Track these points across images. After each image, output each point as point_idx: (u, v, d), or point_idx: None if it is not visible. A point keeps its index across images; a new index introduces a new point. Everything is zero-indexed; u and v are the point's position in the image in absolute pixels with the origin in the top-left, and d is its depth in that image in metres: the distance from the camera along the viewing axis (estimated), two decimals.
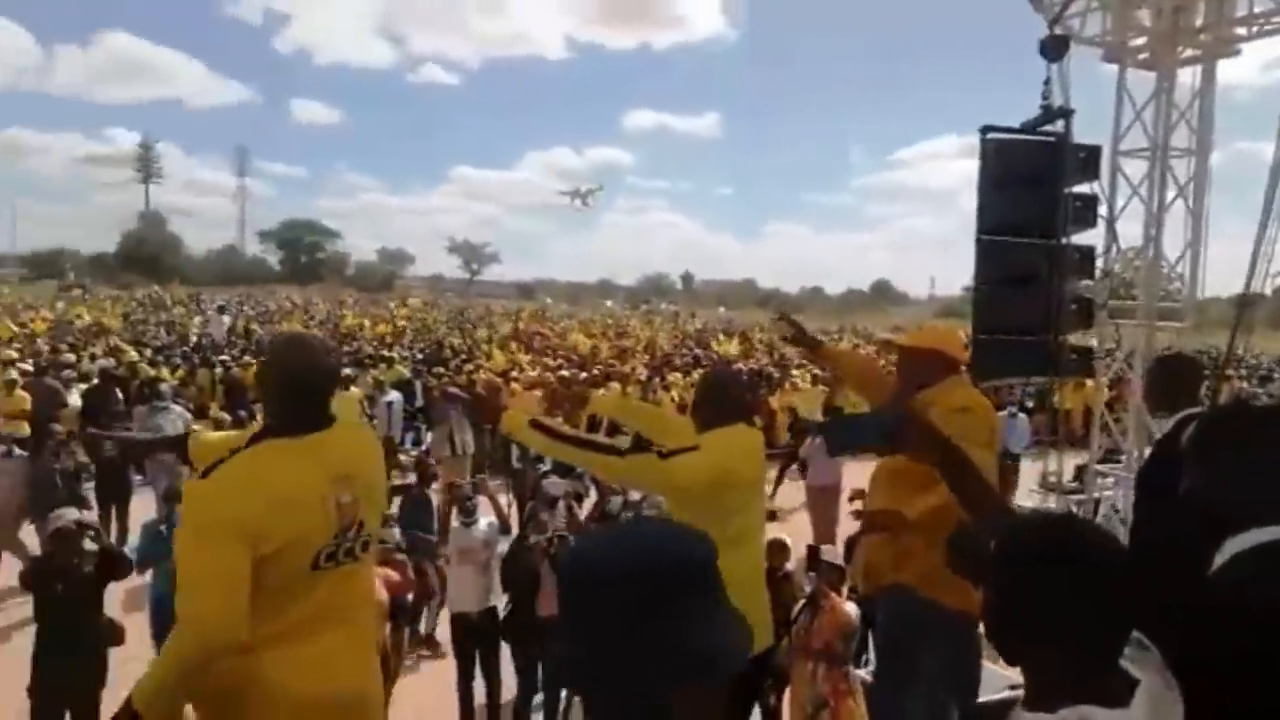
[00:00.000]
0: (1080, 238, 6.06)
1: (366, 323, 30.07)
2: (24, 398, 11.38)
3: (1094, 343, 6.72)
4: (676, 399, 13.82)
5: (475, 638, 5.40)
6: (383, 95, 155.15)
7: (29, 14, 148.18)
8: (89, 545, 4.82)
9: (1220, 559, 1.55)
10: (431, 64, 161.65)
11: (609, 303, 70.27)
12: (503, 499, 6.55)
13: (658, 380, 15.47)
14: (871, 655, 4.77)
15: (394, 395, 13.16)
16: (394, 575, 5.06)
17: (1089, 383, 7.16)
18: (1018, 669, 1.26)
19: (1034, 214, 5.83)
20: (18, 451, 8.46)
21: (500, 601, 5.59)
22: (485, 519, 5.72)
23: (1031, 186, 5.80)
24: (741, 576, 3.23)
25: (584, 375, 14.80)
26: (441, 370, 15.97)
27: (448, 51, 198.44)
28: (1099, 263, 6.29)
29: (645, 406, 5.47)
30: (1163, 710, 1.18)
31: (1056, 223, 5.84)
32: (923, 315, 52.22)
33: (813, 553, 4.99)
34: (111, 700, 4.94)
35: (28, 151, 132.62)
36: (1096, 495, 6.96)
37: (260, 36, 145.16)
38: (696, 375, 16.78)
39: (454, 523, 5.88)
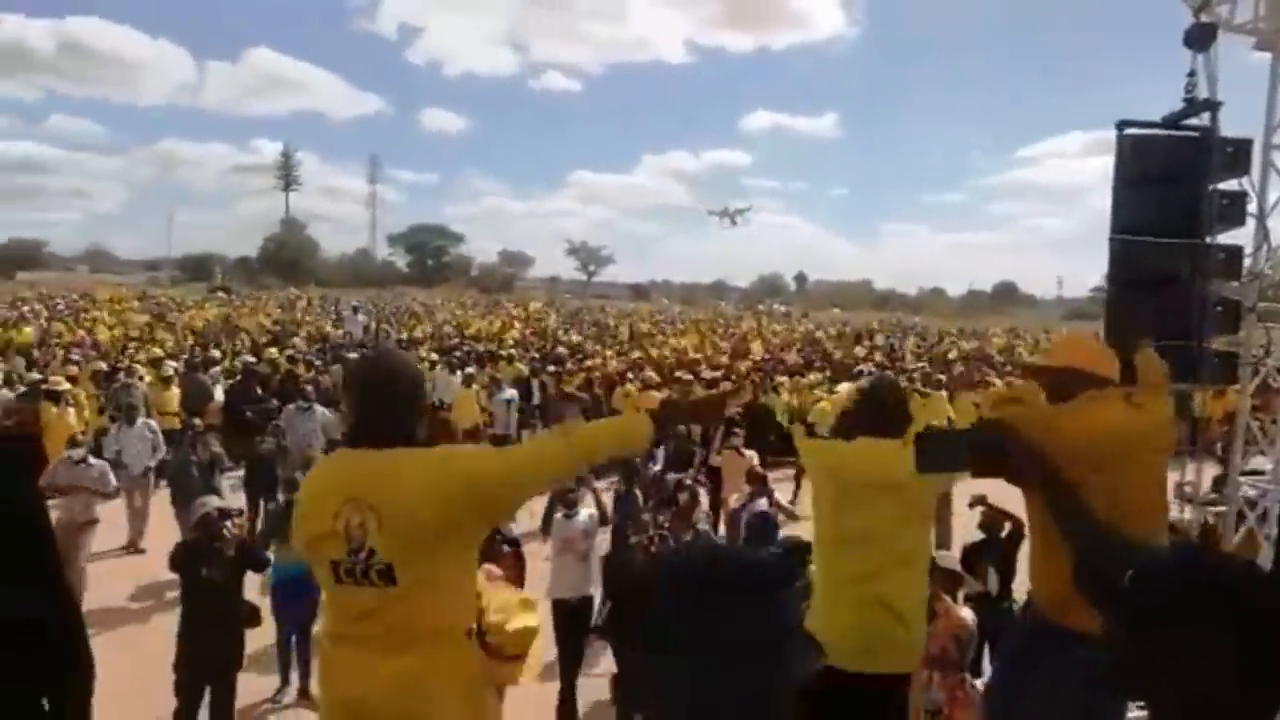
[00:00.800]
0: (1227, 237, 5.68)
1: (484, 323, 30.89)
2: (175, 395, 12.22)
3: (1239, 348, 6.29)
4: (786, 401, 13.69)
5: (573, 623, 5.66)
6: (507, 102, 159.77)
7: (187, 34, 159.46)
8: (229, 532, 5.15)
9: None
10: (553, 71, 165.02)
11: (721, 303, 69.94)
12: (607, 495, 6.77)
13: (768, 382, 15.30)
14: (986, 665, 4.65)
15: (510, 392, 13.52)
16: (495, 570, 5.19)
17: (1230, 389, 6.67)
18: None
19: (1175, 212, 5.49)
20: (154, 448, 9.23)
21: (597, 591, 5.86)
22: (586, 510, 6.01)
23: (1172, 184, 5.46)
24: (841, 575, 3.24)
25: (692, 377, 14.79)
26: (557, 369, 16.29)
27: (569, 58, 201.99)
28: (1247, 263, 5.88)
29: None
30: None
31: (1200, 221, 5.48)
32: (1049, 317, 50.03)
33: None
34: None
35: (183, 162, 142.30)
36: (1237, 507, 6.51)
37: (394, 49, 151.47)
38: (811, 377, 16.57)
39: (556, 514, 6.10)
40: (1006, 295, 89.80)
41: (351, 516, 2.10)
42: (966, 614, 4.26)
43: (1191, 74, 5.63)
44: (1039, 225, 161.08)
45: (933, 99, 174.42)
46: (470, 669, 2.24)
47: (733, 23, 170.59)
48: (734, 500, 8.05)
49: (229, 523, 5.19)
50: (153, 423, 10.11)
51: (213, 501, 5.42)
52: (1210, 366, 5.65)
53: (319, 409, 10.34)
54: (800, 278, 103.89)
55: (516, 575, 5.52)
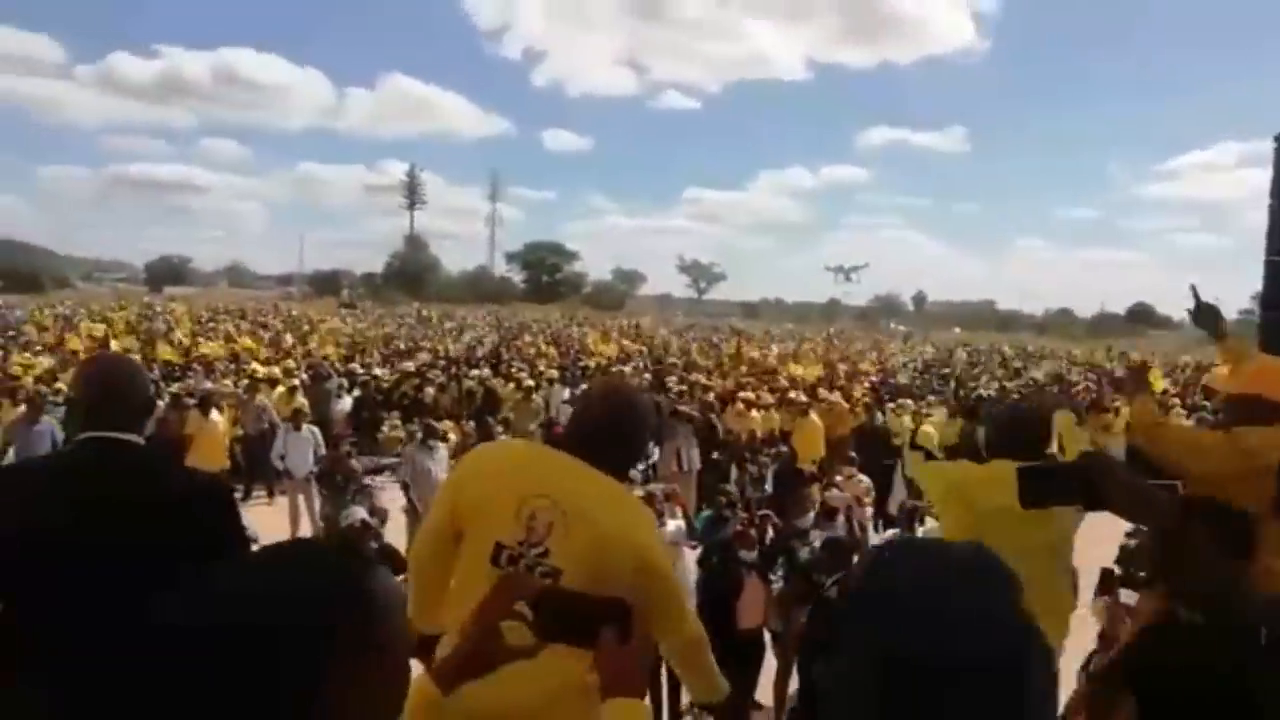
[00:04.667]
0: None
1: (593, 340, 31.12)
2: (304, 403, 12.82)
3: None
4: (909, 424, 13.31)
5: None
6: (626, 121, 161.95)
7: (329, 61, 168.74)
8: (372, 544, 5.37)
9: None
10: (672, 90, 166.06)
11: (832, 328, 68.84)
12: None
13: (884, 405, 14.92)
14: None
15: None
16: None
17: None
18: None
19: None
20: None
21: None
22: (674, 522, 6.00)
23: None
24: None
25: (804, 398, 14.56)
26: (671, 385, 16.34)
27: (688, 77, 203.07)
28: None
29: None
30: None
31: None
32: (1187, 342, 46.99)
33: (1106, 577, 4.67)
34: None
35: (318, 183, 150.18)
36: None
37: (519, 71, 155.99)
38: (928, 401, 16.07)
39: None
40: (1142, 317, 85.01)
41: (540, 511, 2.09)
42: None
43: None
44: (1182, 243, 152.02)
45: (1066, 111, 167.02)
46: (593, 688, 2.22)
47: (853, 38, 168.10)
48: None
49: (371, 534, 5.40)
50: (315, 429, 10.53)
51: (358, 513, 5.65)
52: None
53: (441, 449, 9.19)
54: (919, 297, 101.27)
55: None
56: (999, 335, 63.97)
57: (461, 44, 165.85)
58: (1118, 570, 4.92)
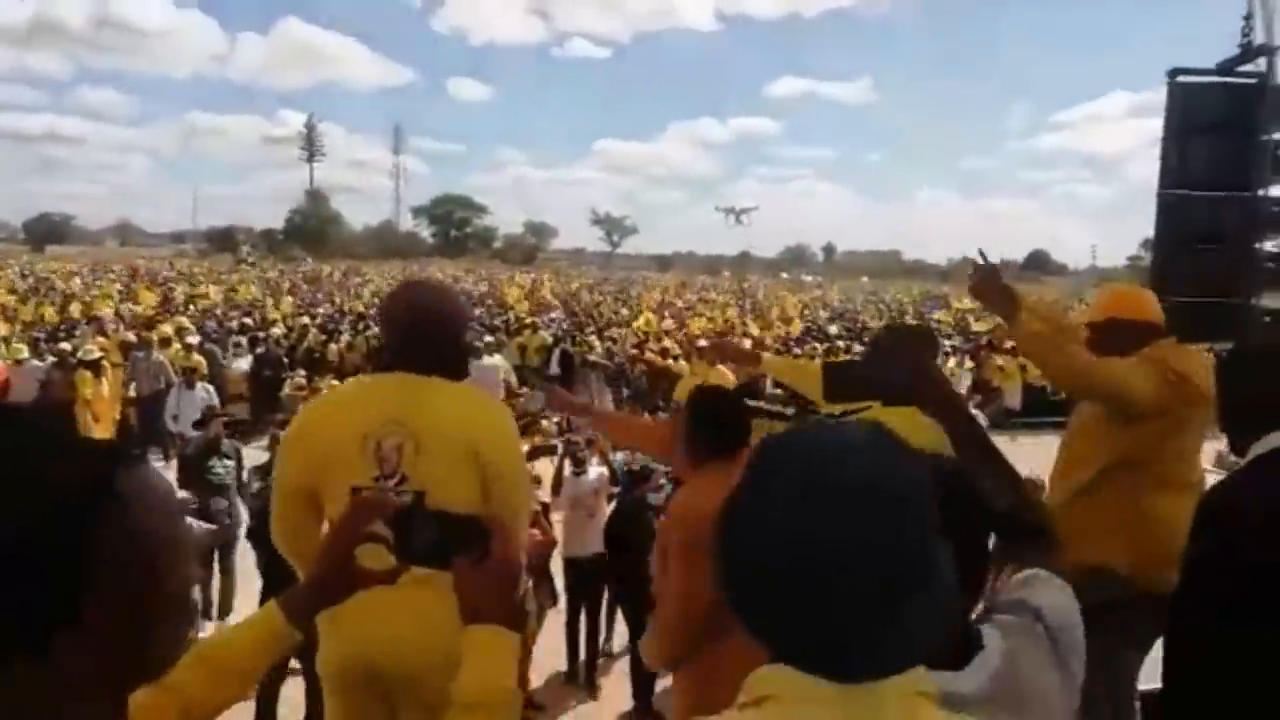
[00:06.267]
0: None
1: (514, 292, 30.71)
2: (201, 361, 12.22)
3: None
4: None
5: (585, 580, 5.68)
6: (533, 71, 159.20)
7: (216, 5, 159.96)
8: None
9: None
10: (580, 39, 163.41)
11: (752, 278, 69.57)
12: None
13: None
14: None
15: (495, 359, 13.16)
16: (537, 534, 5.18)
17: None
18: None
19: (1227, 165, 5.26)
20: None
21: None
22: (596, 469, 6.02)
23: (1225, 134, 5.23)
24: None
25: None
26: (582, 337, 16.21)
27: (596, 26, 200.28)
28: None
29: (809, 365, 5.49)
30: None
31: (1252, 173, 5.25)
32: (1081, 287, 49.15)
33: None
34: None
35: (209, 134, 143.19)
36: None
37: (420, 18, 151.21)
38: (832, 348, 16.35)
39: (566, 472, 6.12)
40: (1039, 264, 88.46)
41: (386, 440, 2.02)
42: None
43: (1248, 17, 5.38)
44: (1075, 192, 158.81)
45: (969, 63, 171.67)
46: None
47: None
48: None
49: None
50: (211, 387, 10.14)
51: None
52: (1258, 325, 5.43)
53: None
54: (828, 249, 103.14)
55: (544, 538, 5.49)
56: (905, 283, 65.72)
57: None
58: None
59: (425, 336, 2.14)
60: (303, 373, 13.34)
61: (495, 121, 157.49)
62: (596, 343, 15.72)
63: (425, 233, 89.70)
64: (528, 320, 18.78)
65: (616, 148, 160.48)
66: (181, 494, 5.15)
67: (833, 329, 21.59)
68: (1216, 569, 2.04)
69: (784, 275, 71.62)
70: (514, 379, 12.95)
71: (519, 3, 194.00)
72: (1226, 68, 5.41)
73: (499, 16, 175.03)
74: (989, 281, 2.85)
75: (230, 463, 6.21)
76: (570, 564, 5.77)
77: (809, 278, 70.95)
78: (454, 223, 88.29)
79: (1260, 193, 5.33)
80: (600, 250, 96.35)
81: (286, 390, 13.05)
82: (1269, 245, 5.48)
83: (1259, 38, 5.39)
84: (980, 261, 2.83)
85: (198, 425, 6.73)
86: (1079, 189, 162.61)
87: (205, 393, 9.76)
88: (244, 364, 13.77)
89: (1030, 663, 1.07)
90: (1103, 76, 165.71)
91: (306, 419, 2.27)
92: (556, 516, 5.96)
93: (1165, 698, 2.30)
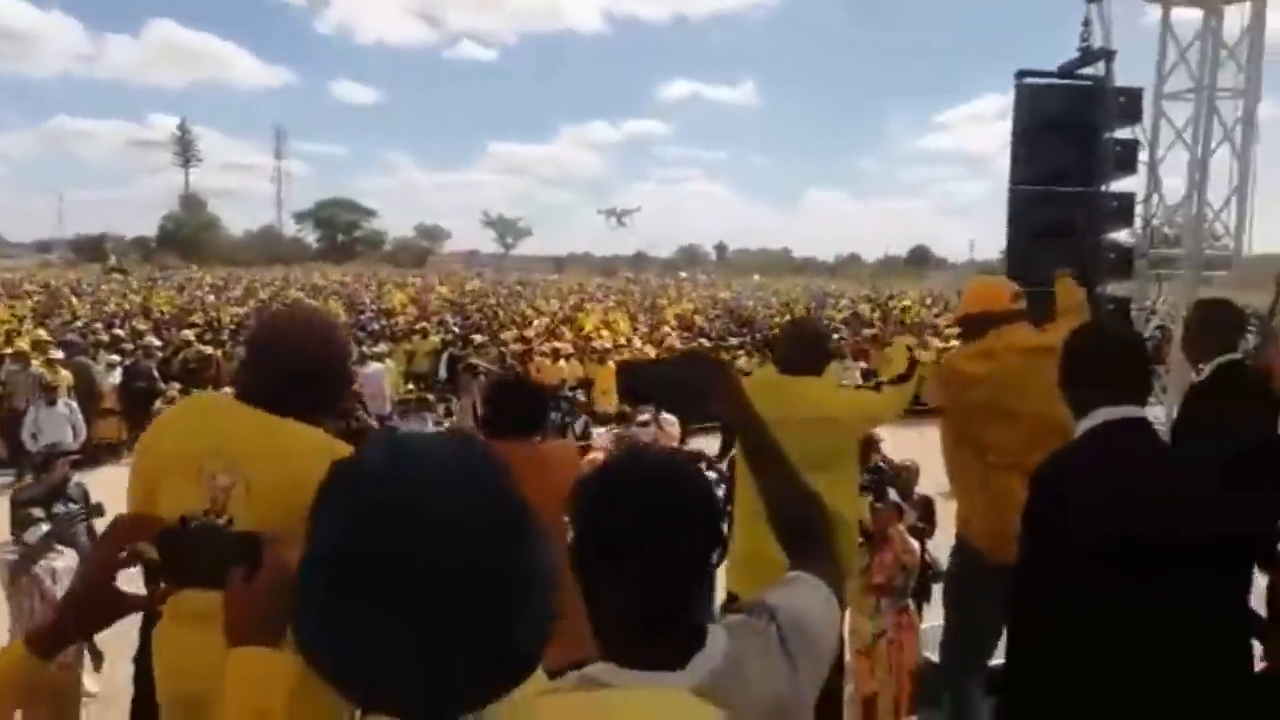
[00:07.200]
0: (1121, 185, 5.80)
1: (398, 300, 30.00)
2: (68, 376, 11.51)
3: (1136, 297, 6.45)
4: None
5: None
6: (420, 72, 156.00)
7: (81, 5, 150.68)
8: None
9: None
10: (468, 40, 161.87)
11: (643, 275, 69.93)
12: None
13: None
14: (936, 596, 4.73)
15: (381, 365, 12.82)
16: None
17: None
18: None
19: (1071, 161, 5.55)
20: None
21: None
22: None
23: (1069, 132, 5.52)
24: None
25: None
26: (475, 340, 15.99)
27: (483, 27, 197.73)
28: (1139, 210, 6.02)
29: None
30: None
31: (1094, 170, 5.57)
32: (962, 280, 51.26)
33: (879, 482, 5.04)
34: None
35: (77, 138, 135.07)
36: None
37: (301, 18, 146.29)
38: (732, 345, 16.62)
39: None
40: (921, 259, 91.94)
41: (220, 474, 1.87)
42: (913, 544, 4.39)
43: (1086, 23, 5.70)
44: (954, 190, 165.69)
45: (852, 66, 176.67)
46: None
47: None
48: None
49: None
50: (74, 404, 9.63)
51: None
52: (1103, 313, 5.77)
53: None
54: (720, 247, 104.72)
55: None
56: (795, 280, 67.33)
57: None
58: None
59: (291, 374, 1.96)
60: (177, 386, 12.75)
61: (383, 124, 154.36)
62: (491, 347, 15.55)
63: (310, 237, 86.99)
64: (416, 325, 18.43)
65: (509, 150, 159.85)
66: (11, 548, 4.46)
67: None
68: (1045, 541, 2.13)
69: (683, 275, 72.33)
70: (400, 386, 12.70)
71: (405, 4, 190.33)
72: (1068, 70, 5.73)
73: (384, 18, 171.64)
74: None
75: (75, 506, 5.35)
76: None
77: (703, 276, 71.85)
78: (340, 226, 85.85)
79: (1102, 188, 5.66)
80: (494, 252, 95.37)
81: (159, 404, 12.45)
82: (1111, 237, 5.83)
83: (1097, 42, 5.73)
84: None
85: (39, 469, 5.64)
86: (957, 186, 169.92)
87: (67, 409, 9.24)
88: (115, 377, 13.07)
89: (756, 659, 1.14)
90: (978, 79, 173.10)
91: (150, 435, 2.11)
92: None
93: (1006, 667, 2.43)
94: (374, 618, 0.70)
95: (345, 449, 1.99)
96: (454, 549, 0.71)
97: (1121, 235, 5.90)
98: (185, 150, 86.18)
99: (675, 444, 8.17)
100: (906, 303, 26.77)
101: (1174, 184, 6.43)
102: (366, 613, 0.71)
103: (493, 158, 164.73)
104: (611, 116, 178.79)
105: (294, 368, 1.96)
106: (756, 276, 72.60)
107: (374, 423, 9.33)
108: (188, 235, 74.00)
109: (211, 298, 31.38)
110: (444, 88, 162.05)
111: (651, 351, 14.66)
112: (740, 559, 3.02)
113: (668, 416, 9.56)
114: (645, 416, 8.82)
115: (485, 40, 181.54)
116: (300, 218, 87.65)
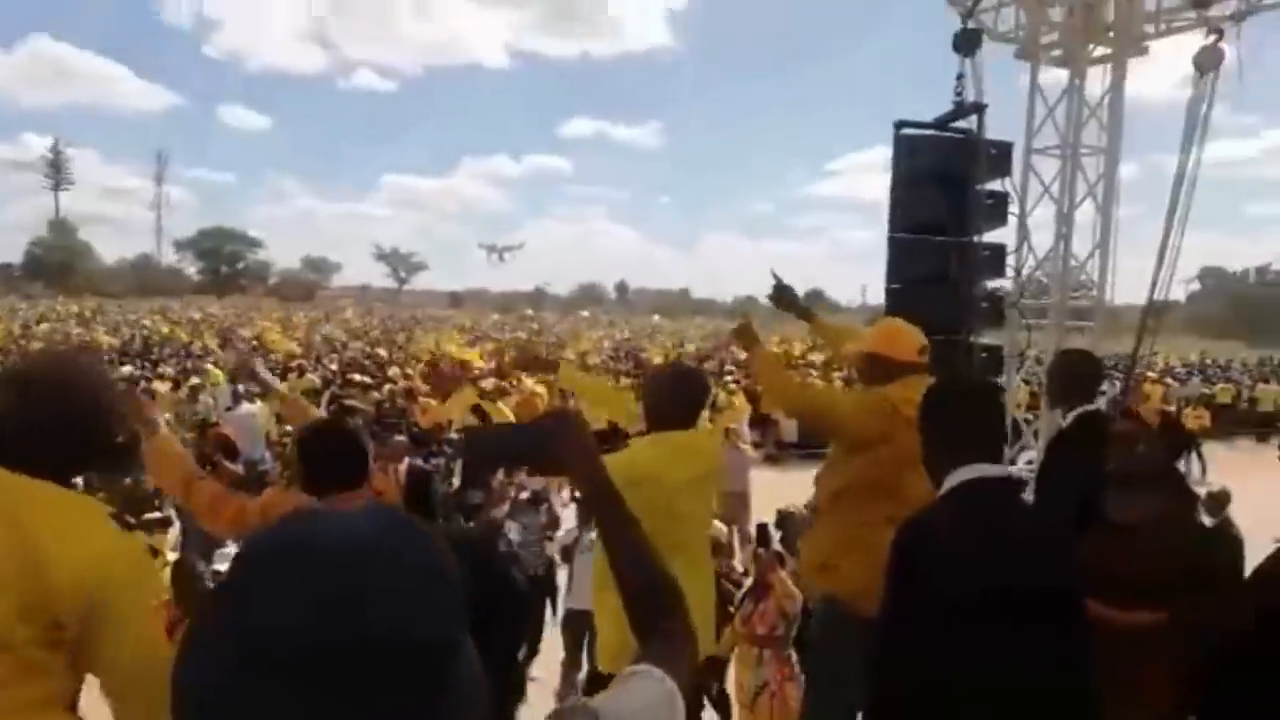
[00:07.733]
0: (993, 236, 5.92)
1: (272, 336, 28.48)
2: None
3: (1008, 346, 6.59)
4: None
5: None
6: (315, 101, 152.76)
7: None
8: None
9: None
10: (366, 70, 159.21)
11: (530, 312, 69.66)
12: None
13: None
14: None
15: (254, 406, 11.95)
16: None
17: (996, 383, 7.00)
18: None
19: (945, 211, 5.64)
20: None
21: None
22: None
23: (943, 183, 5.61)
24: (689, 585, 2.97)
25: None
26: (356, 380, 15.36)
27: (382, 58, 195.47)
28: (1010, 260, 6.16)
29: (599, 381, 5.78)
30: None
31: (967, 220, 5.67)
32: (852, 323, 52.86)
33: (763, 531, 5.14)
34: None
35: None
36: None
37: (190, 42, 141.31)
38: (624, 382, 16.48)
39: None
40: (814, 302, 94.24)
41: None
42: (795, 592, 4.29)
43: (960, 77, 5.82)
44: (846, 236, 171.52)
45: (751, 112, 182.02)
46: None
47: (552, 28, 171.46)
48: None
49: None
50: None
51: None
52: (978, 361, 5.85)
53: None
54: (621, 286, 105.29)
55: None
56: (693, 320, 68.13)
57: (119, 6, 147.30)
58: (772, 527, 5.34)
59: (47, 429, 1.69)
60: None
61: (274, 152, 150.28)
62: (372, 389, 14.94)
63: (191, 268, 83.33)
64: (293, 364, 17.65)
65: (407, 182, 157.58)
66: None
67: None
68: (910, 600, 2.10)
69: (583, 313, 72.30)
70: (274, 428, 11.99)
71: (299, 30, 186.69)
72: (943, 122, 5.84)
73: (278, 44, 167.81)
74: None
75: None
76: None
77: (604, 315, 72.01)
78: (223, 257, 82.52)
79: (975, 238, 5.76)
80: (388, 287, 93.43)
81: None
82: (985, 285, 5.93)
83: (970, 96, 5.86)
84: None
85: None
86: (847, 234, 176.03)
87: None
88: None
89: None
90: (864, 128, 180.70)
91: None
92: None
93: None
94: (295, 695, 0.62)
95: (89, 513, 1.69)
96: (390, 630, 0.65)
97: (995, 284, 6.03)
98: (57, 172, 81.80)
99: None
100: (788, 346, 27.02)
101: (1042, 237, 6.63)
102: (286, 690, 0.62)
103: (390, 189, 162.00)
104: (514, 151, 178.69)
105: (32, 423, 1.67)
106: (656, 317, 73.18)
107: (240, 469, 8.73)
108: (56, 262, 69.80)
109: (79, 330, 29.53)
110: (339, 116, 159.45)
111: (543, 391, 14.36)
112: (601, 643, 2.97)
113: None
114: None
115: (385, 71, 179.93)
116: (181, 247, 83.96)
